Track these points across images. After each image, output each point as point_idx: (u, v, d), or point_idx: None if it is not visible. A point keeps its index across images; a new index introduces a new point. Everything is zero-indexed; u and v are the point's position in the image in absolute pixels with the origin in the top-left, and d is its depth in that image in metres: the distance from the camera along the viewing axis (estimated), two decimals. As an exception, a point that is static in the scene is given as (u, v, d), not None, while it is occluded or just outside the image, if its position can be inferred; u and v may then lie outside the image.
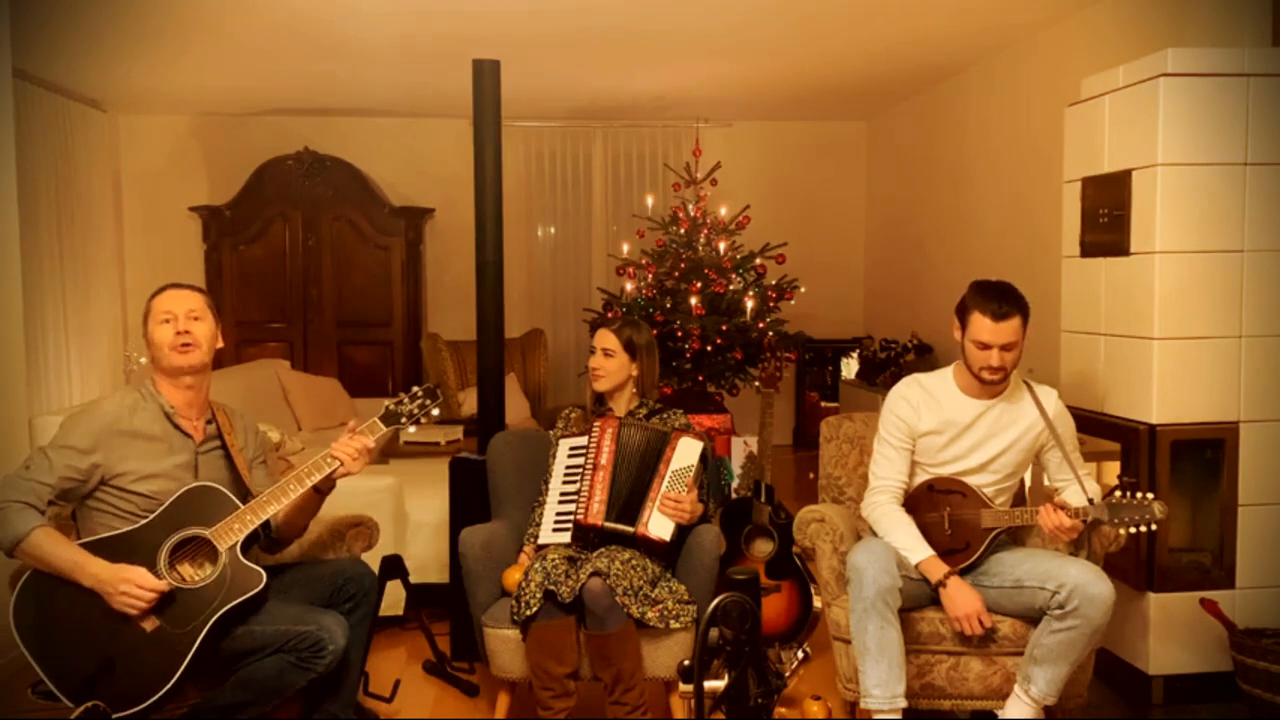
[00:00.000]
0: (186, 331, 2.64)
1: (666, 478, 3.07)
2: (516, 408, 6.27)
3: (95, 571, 2.41)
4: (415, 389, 2.78)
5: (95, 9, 4.47)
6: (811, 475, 5.42)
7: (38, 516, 2.44)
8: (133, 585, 2.39)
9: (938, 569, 2.80)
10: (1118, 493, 2.72)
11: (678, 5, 4.49)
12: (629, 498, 3.06)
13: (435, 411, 2.77)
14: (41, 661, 2.41)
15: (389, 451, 5.35)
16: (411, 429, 2.79)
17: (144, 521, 2.53)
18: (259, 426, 2.93)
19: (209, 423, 2.74)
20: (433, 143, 7.41)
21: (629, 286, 5.44)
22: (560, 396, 7.37)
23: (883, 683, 2.69)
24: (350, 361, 7.13)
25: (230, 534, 2.52)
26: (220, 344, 2.76)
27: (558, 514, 3.13)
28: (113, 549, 2.47)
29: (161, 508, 2.54)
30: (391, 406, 2.76)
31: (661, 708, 3.16)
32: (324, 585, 2.78)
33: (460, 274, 6.87)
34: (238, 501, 2.58)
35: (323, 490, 2.70)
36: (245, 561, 2.52)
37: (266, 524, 2.63)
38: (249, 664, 2.52)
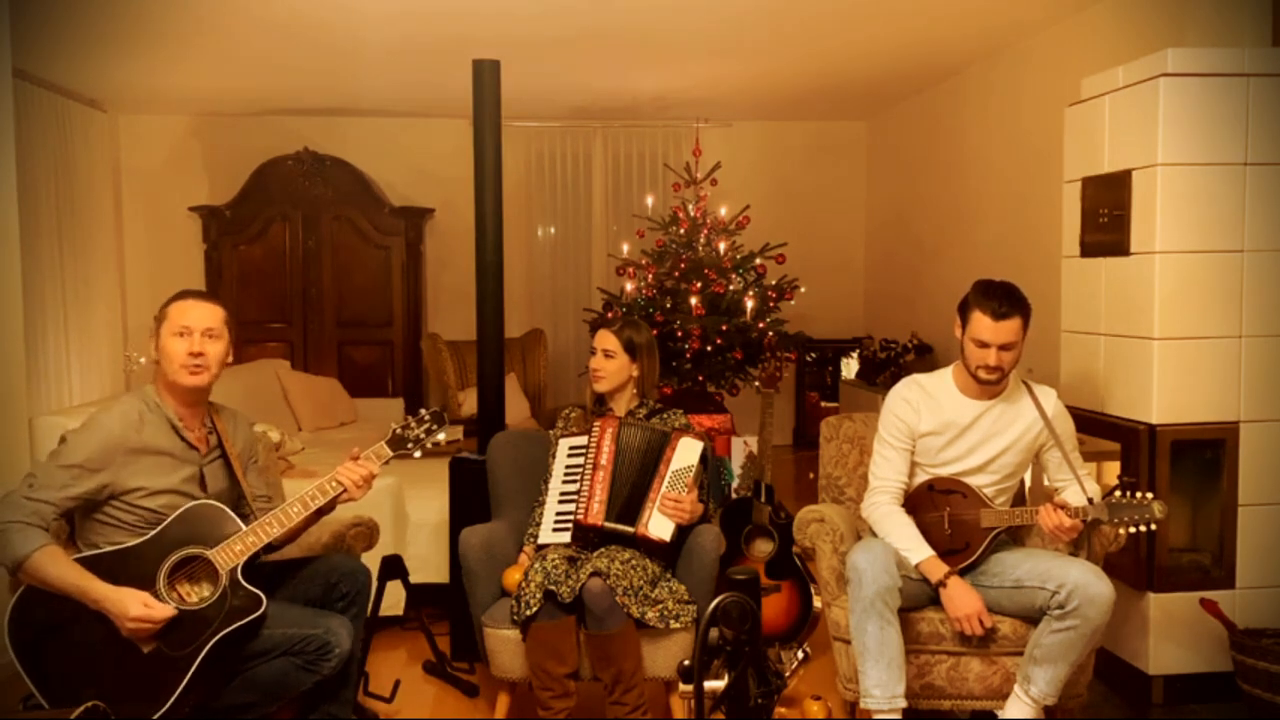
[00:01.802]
0: (200, 354, 2.56)
1: (666, 478, 3.07)
2: (516, 408, 6.27)
3: (99, 597, 2.36)
4: (423, 412, 2.72)
5: (95, 9, 4.46)
6: (811, 475, 5.41)
7: (41, 536, 2.38)
8: (139, 622, 2.35)
9: (938, 569, 2.80)
10: (1117, 493, 2.71)
11: (678, 5, 4.49)
12: (629, 498, 3.06)
13: (441, 437, 2.68)
14: (34, 676, 2.38)
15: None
16: (417, 454, 2.74)
17: (145, 538, 2.48)
18: (258, 427, 2.90)
19: (210, 432, 2.69)
20: (433, 143, 7.40)
21: (629, 286, 5.44)
22: (560, 396, 7.36)
23: (882, 683, 2.69)
24: (350, 361, 7.12)
25: (232, 555, 2.48)
26: (229, 360, 2.68)
27: (558, 514, 3.13)
28: (112, 565, 2.43)
29: (164, 523, 2.49)
30: (398, 430, 2.70)
31: (661, 708, 3.16)
32: (317, 582, 2.76)
33: (460, 274, 6.86)
34: (240, 522, 2.54)
35: (323, 510, 2.66)
36: (245, 584, 2.48)
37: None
38: (255, 665, 2.51)
